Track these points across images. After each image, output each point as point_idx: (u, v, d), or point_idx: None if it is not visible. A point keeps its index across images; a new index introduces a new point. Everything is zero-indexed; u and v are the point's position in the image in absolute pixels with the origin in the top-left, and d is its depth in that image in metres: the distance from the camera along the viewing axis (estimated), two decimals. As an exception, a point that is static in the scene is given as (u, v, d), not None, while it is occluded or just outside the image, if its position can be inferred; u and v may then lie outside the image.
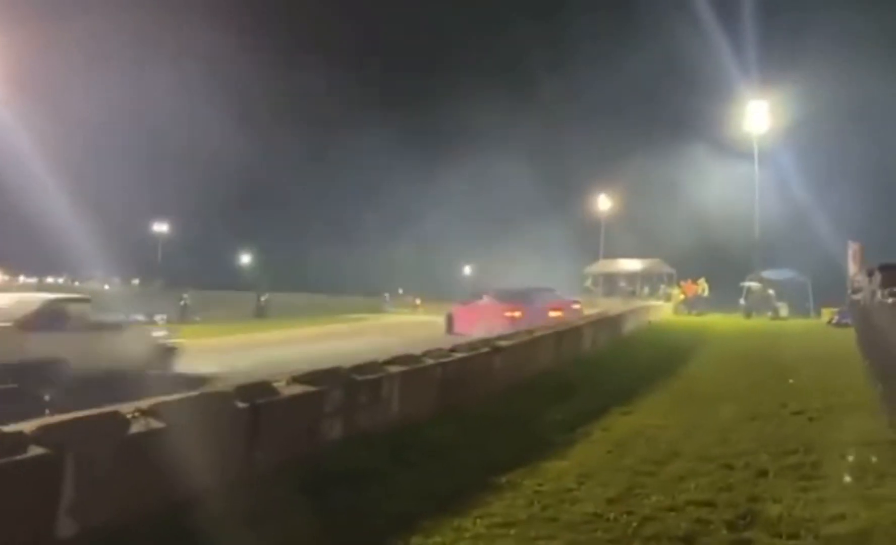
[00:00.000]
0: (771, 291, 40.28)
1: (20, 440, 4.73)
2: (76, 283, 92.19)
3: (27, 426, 4.90)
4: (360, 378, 8.42)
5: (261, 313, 42.29)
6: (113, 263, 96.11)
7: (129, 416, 5.58)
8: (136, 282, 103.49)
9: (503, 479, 6.96)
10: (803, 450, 8.05)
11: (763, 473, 7.21)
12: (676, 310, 42.34)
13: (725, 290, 43.63)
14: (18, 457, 4.60)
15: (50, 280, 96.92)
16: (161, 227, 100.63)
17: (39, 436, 4.83)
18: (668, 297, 45.17)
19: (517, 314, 23.06)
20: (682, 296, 44.30)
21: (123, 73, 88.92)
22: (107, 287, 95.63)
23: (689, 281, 45.69)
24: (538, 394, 11.76)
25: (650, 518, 5.90)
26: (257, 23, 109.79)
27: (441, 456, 7.87)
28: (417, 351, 10.56)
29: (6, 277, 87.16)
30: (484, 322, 21.84)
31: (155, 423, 5.66)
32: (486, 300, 26.22)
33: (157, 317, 46.91)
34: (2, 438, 4.63)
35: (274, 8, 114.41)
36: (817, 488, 6.65)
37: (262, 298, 44.24)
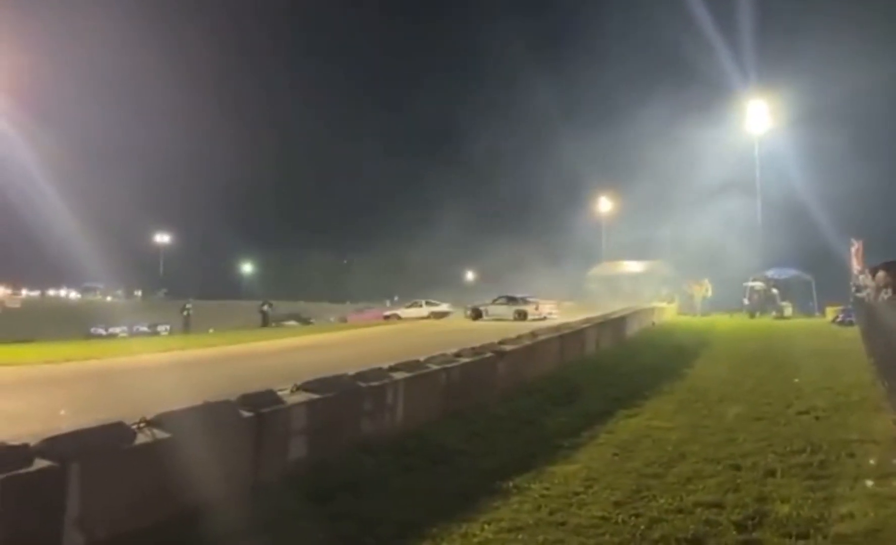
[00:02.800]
0: (775, 290, 40.20)
1: (25, 453, 4.73)
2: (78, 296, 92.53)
3: (32, 439, 4.90)
4: (364, 385, 8.42)
5: (265, 322, 42.30)
6: (116, 275, 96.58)
7: (134, 427, 5.58)
8: (138, 293, 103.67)
9: (510, 484, 6.94)
10: (810, 449, 8.04)
11: (771, 473, 7.21)
12: (686, 311, 42.27)
13: (728, 291, 43.54)
14: (24, 471, 4.61)
15: (51, 293, 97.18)
16: (163, 238, 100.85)
17: (44, 449, 4.84)
18: (689, 296, 44.81)
19: None
20: (707, 294, 43.91)
21: (125, 87, 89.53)
22: (109, 298, 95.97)
23: (692, 282, 45.60)
24: (543, 397, 11.74)
25: (658, 520, 5.90)
26: (259, 34, 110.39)
27: (447, 461, 7.85)
28: (421, 356, 10.56)
29: (10, 291, 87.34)
30: None
31: (160, 434, 5.66)
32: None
33: (161, 328, 47.33)
34: (7, 452, 4.62)
35: (273, 20, 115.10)
36: (825, 487, 6.64)
37: (265, 307, 44.23)
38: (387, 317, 42.20)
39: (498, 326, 25.83)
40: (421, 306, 42.08)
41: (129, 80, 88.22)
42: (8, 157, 40.11)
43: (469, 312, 37.08)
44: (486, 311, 35.46)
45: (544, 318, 31.91)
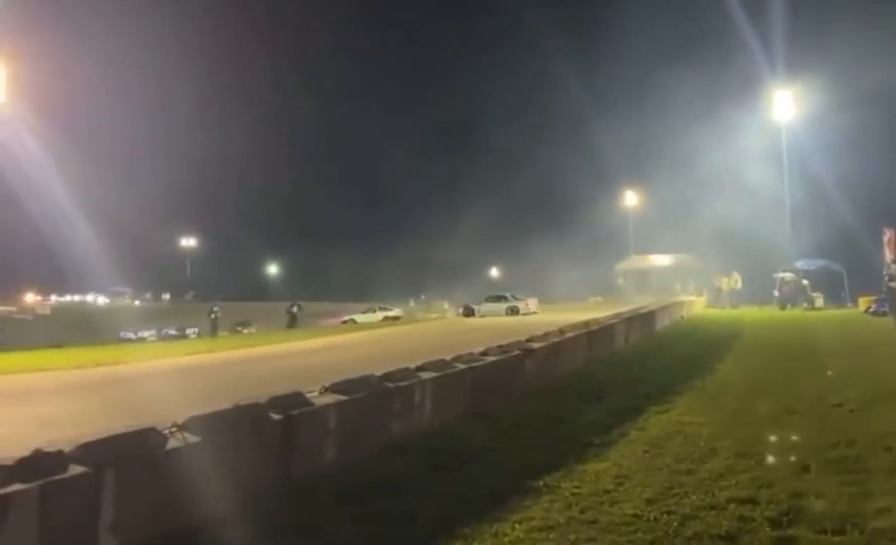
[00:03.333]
0: (805, 282, 39.71)
1: (60, 460, 4.79)
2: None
3: (67, 445, 4.96)
4: (391, 385, 8.43)
5: (293, 323, 42.53)
6: (144, 279, 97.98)
7: (165, 432, 5.63)
8: (166, 296, 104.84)
9: (540, 483, 6.89)
10: (845, 443, 7.91)
11: (805, 468, 7.09)
12: (715, 303, 41.91)
13: (758, 283, 43.08)
14: (59, 477, 4.66)
15: (80, 299, 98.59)
16: (189, 242, 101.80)
17: (79, 456, 4.90)
18: (718, 289, 44.45)
19: None
20: (737, 285, 43.51)
21: (148, 94, 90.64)
22: (138, 303, 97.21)
23: (721, 274, 45.20)
24: (572, 394, 11.68)
25: (690, 517, 5.82)
26: (280, 35, 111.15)
27: (476, 460, 7.83)
28: (448, 356, 10.55)
29: (40, 298, 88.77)
30: None
31: (191, 438, 5.70)
32: None
33: (189, 331, 47.83)
34: (42, 459, 4.68)
35: (294, 20, 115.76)
36: (861, 482, 6.52)
37: (294, 308, 44.49)
38: (344, 322, 45.64)
39: (503, 322, 25.94)
40: (375, 311, 47.64)
41: (153, 87, 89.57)
42: (35, 167, 40.77)
43: (461, 310, 39.62)
44: (479, 309, 38.01)
45: (535, 313, 35.64)
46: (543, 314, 32.86)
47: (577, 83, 77.03)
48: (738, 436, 8.64)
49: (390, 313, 47.01)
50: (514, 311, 36.43)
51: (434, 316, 43.08)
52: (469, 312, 38.19)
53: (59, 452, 4.86)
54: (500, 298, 38.80)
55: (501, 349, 11.94)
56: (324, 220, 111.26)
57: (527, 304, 37.51)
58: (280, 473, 6.54)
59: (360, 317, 45.41)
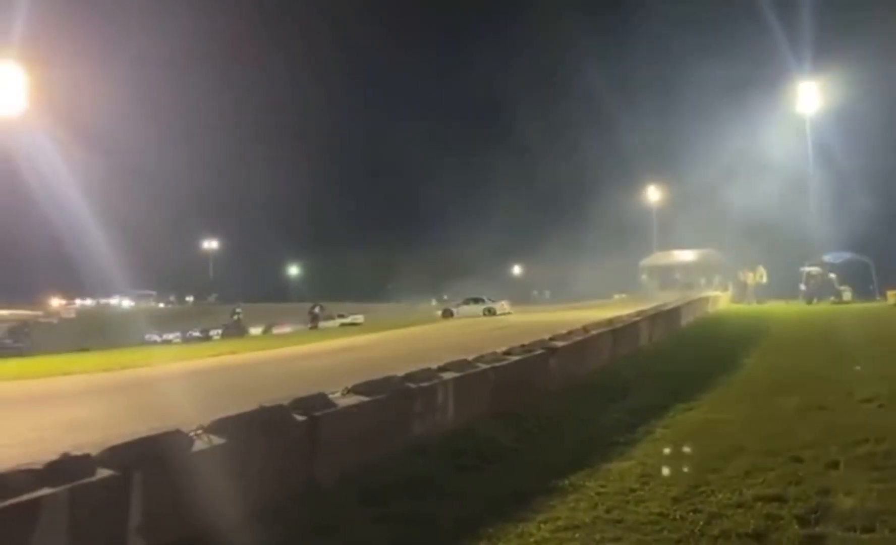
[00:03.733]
0: (832, 275, 39.24)
1: (88, 463, 4.85)
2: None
3: (94, 448, 5.01)
4: (414, 386, 8.43)
5: (315, 323, 42.76)
6: (168, 282, 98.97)
7: (191, 434, 5.67)
8: (190, 299, 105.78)
9: (565, 482, 6.86)
10: (874, 439, 7.78)
11: (833, 465, 6.99)
12: (740, 299, 41.54)
13: (784, 277, 42.62)
14: (87, 480, 4.71)
15: (105, 302, 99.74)
16: (211, 244, 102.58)
17: (107, 459, 4.95)
18: (744, 283, 44.07)
19: None
20: (762, 280, 43.09)
21: (167, 98, 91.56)
22: (162, 305, 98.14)
23: (746, 269, 44.78)
24: (596, 392, 11.63)
25: (717, 515, 5.77)
26: (299, 37, 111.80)
27: (500, 460, 7.82)
28: (470, 355, 10.53)
29: (65, 301, 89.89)
30: None
31: (216, 440, 5.74)
32: None
33: (213, 333, 48.25)
34: (70, 462, 4.73)
35: (313, 21, 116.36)
36: (891, 479, 6.41)
37: (316, 309, 44.70)
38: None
39: (526, 320, 25.89)
40: (334, 318, 49.64)
41: (173, 91, 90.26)
42: (58, 173, 41.38)
43: (441, 313, 42.51)
44: (457, 311, 40.97)
45: (509, 314, 39.37)
46: (568, 312, 32.65)
47: (601, 78, 76.38)
48: (765, 433, 8.54)
49: (346, 320, 48.71)
50: (490, 312, 39.86)
51: (417, 316, 43.75)
52: (449, 314, 40.93)
53: (87, 456, 4.91)
54: (477, 301, 42.17)
55: (524, 348, 11.90)
56: (345, 220, 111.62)
57: (502, 306, 41.40)
58: (304, 474, 6.57)
59: (322, 325, 46.09)
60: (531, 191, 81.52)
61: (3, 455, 7.23)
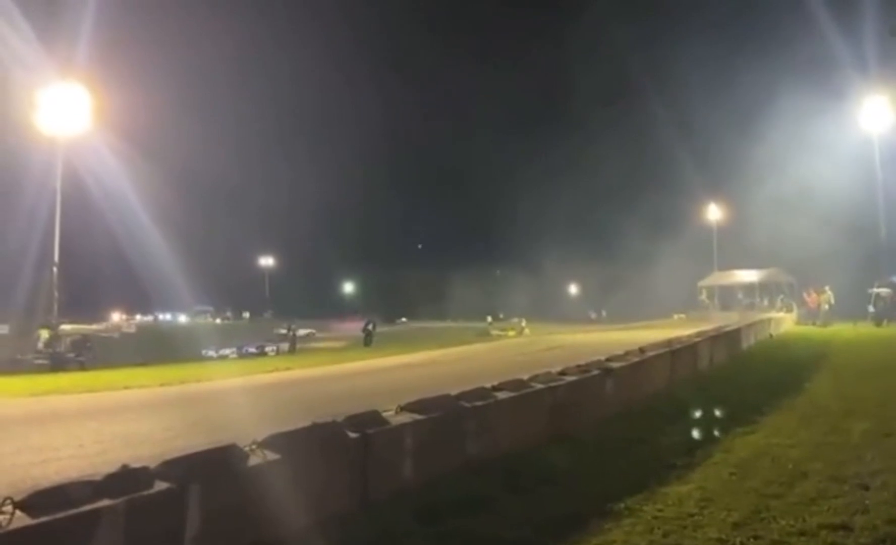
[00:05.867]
0: (903, 296, 37.96)
1: (146, 476, 4.92)
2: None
3: (152, 461, 5.10)
4: (467, 405, 8.37)
5: (368, 341, 42.98)
6: (225, 298, 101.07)
7: (246, 449, 5.72)
8: (246, 315, 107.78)
9: (621, 505, 6.69)
10: (946, 467, 7.46)
11: (903, 494, 6.72)
12: (805, 320, 40.47)
13: (851, 299, 41.33)
14: (145, 493, 4.79)
15: (164, 317, 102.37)
16: (267, 261, 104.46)
17: (164, 472, 5.02)
18: (809, 305, 42.99)
19: None
20: (830, 301, 41.88)
21: (224, 114, 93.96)
22: (219, 321, 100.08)
23: (813, 290, 43.60)
24: (653, 415, 11.37)
25: (779, 543, 5.57)
26: (359, 61, 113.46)
27: (555, 482, 7.67)
28: (525, 375, 10.44)
29: (125, 317, 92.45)
30: None
31: (271, 455, 5.78)
32: None
33: (269, 349, 49.00)
34: (129, 475, 4.82)
35: (378, 44, 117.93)
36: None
37: (370, 326, 45.00)
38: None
39: (582, 340, 25.60)
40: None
41: (231, 111, 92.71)
42: (120, 191, 42.69)
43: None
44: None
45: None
46: (625, 332, 32.21)
47: (658, 98, 75.67)
48: (831, 459, 8.23)
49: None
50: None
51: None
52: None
53: (145, 468, 4.99)
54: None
55: (580, 369, 11.73)
56: (401, 238, 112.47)
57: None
58: (357, 491, 6.56)
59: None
60: (589, 210, 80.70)
61: (65, 466, 7.43)
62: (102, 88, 35.25)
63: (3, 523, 4.10)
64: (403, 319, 48.71)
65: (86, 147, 35.07)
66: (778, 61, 63.96)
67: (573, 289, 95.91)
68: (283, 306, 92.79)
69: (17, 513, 4.20)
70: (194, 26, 79.41)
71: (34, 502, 4.32)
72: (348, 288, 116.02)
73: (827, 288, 42.15)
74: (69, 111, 32.14)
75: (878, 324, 36.07)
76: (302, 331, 52.00)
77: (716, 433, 10.00)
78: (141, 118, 54.03)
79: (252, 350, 50.29)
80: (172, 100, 78.29)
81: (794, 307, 46.33)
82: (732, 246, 63.43)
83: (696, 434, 10.01)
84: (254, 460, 5.68)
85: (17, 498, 4.28)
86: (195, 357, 39.48)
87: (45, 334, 31.66)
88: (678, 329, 28.09)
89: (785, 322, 38.39)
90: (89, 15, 37.03)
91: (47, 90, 32.26)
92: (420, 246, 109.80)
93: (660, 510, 6.57)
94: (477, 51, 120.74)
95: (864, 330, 33.72)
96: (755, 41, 77.35)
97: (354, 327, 51.19)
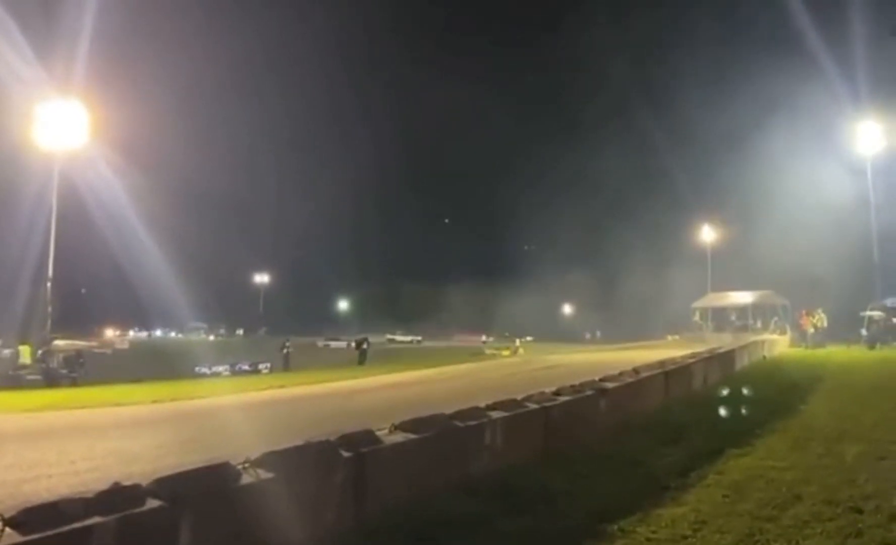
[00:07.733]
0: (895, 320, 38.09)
1: (138, 493, 4.88)
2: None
3: (144, 479, 5.07)
4: (461, 424, 8.35)
5: (362, 359, 42.91)
6: (219, 315, 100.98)
7: (239, 467, 5.69)
8: (240, 332, 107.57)
9: (615, 527, 6.66)
10: (942, 491, 7.46)
11: (895, 518, 6.72)
12: (799, 342, 40.53)
13: (844, 321, 41.44)
14: (137, 510, 4.75)
15: (157, 334, 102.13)
16: (262, 278, 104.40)
17: (156, 490, 4.98)
18: (802, 327, 43.01)
19: None
20: (822, 325, 41.89)
21: (217, 130, 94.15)
22: (212, 338, 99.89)
23: (804, 312, 43.69)
24: (647, 436, 11.35)
25: (773, 566, 5.57)
26: (352, 78, 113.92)
27: (549, 502, 7.64)
28: (519, 395, 10.43)
29: (118, 333, 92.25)
30: None
31: (265, 474, 5.75)
32: None
33: (262, 366, 48.87)
34: (120, 492, 4.79)
35: (373, 59, 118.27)
36: (959, 533, 6.13)
37: (365, 344, 44.95)
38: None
39: (577, 360, 25.65)
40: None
41: (227, 127, 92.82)
42: (116, 206, 42.75)
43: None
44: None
45: None
46: (619, 353, 32.20)
47: (653, 121, 76.07)
48: (825, 482, 8.22)
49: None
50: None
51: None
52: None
53: (137, 486, 4.94)
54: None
55: (574, 389, 11.72)
56: (395, 254, 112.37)
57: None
58: (350, 510, 6.52)
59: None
60: (585, 230, 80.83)
61: (56, 483, 7.39)
62: (100, 103, 35.44)
63: (-7, 541, 4.07)
64: (391, 336, 48.59)
65: (83, 162, 35.14)
66: (774, 86, 64.47)
67: (567, 309, 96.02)
68: (278, 323, 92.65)
69: (7, 530, 4.16)
70: (190, 44, 79.92)
71: (24, 519, 4.28)
72: (343, 305, 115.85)
73: (819, 310, 42.25)
74: (66, 126, 32.28)
75: (871, 347, 36.16)
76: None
77: (710, 455, 9.98)
78: (137, 134, 54.26)
79: (245, 367, 50.13)
80: (169, 116, 78.50)
81: (788, 329, 46.38)
82: (729, 267, 63.59)
83: (690, 455, 9.98)
84: (246, 478, 5.64)
85: (7, 515, 4.24)
86: (188, 374, 39.29)
87: (25, 351, 31.47)
88: (672, 350, 28.13)
89: (779, 344, 38.44)
90: (87, 30, 37.26)
91: (45, 105, 32.38)
92: (416, 262, 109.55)
93: (653, 532, 6.56)
94: (475, 67, 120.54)
95: (857, 353, 33.79)
96: (748, 73, 77.77)
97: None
